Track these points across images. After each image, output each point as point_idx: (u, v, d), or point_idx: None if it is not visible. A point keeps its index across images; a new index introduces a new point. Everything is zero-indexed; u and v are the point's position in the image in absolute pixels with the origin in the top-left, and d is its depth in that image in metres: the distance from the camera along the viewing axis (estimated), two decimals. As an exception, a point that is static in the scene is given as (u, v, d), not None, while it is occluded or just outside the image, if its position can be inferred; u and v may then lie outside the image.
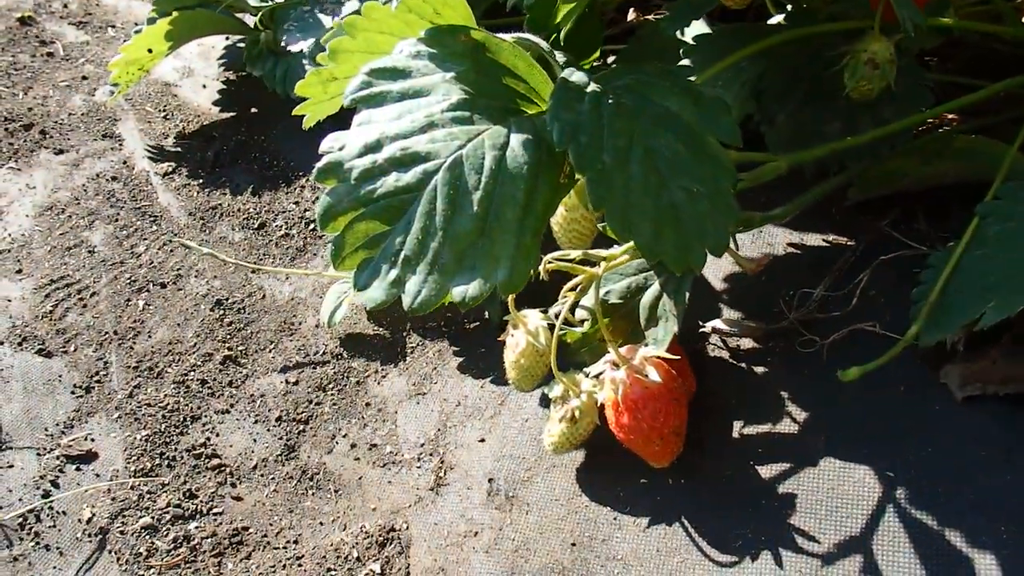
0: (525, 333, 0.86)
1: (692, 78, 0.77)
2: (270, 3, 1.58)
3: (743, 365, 0.90)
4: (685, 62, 0.99)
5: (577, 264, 0.81)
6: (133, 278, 1.26)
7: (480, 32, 0.75)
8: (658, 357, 0.80)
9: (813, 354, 0.88)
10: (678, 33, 1.12)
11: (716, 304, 0.96)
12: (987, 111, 1.09)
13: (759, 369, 0.89)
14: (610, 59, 1.49)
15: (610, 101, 0.71)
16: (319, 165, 0.68)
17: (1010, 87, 0.97)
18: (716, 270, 1.00)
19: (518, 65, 0.76)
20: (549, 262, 0.81)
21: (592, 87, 0.72)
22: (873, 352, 0.86)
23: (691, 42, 1.01)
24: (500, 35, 0.85)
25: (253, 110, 1.65)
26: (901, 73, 0.91)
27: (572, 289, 0.83)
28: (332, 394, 1.06)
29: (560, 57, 0.90)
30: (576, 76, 0.73)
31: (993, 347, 0.81)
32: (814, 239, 1.00)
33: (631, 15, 1.54)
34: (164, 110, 1.70)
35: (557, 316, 0.82)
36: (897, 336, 0.86)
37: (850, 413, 0.83)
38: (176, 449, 1.01)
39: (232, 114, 1.66)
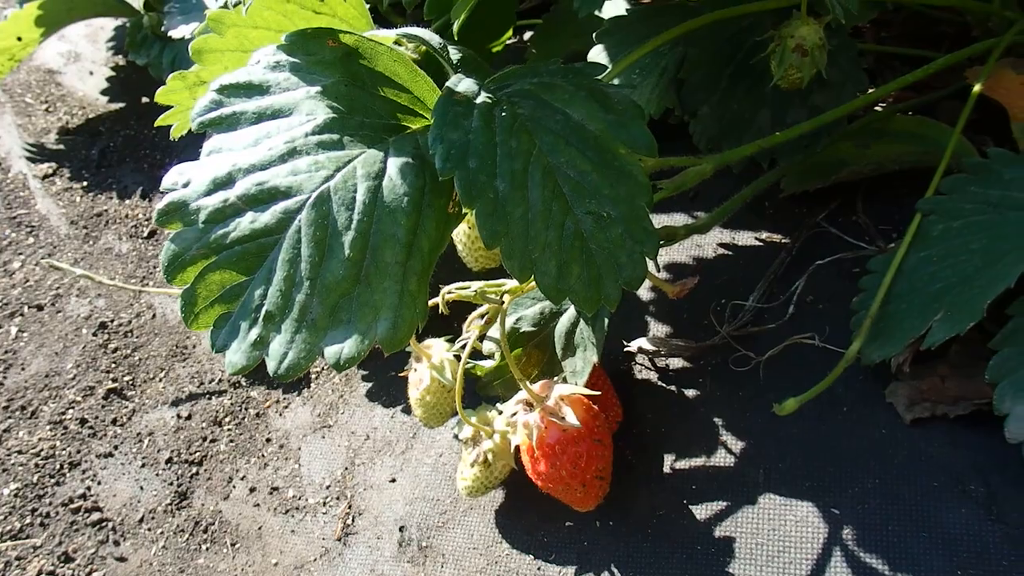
0: (429, 367, 0.76)
1: (600, 76, 0.68)
2: (155, -20, 1.44)
3: (673, 388, 0.81)
4: (596, 53, 0.89)
5: (481, 293, 0.71)
6: (5, 300, 1.14)
7: (352, 35, 0.64)
8: (577, 393, 0.71)
9: (749, 372, 0.80)
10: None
11: (642, 317, 0.87)
12: (928, 86, 1.01)
13: (691, 392, 0.81)
14: (527, 35, 1.39)
15: (504, 114, 0.61)
16: (159, 206, 0.57)
17: (950, 63, 0.89)
18: (642, 278, 0.91)
19: (399, 72, 0.65)
20: (449, 292, 0.72)
21: (483, 97, 0.62)
22: (813, 367, 0.79)
23: (608, 22, 0.91)
24: (381, 32, 0.75)
25: (144, 100, 1.52)
26: (834, 54, 0.82)
27: (480, 317, 0.74)
28: (229, 429, 0.95)
29: (455, 53, 0.79)
30: (464, 85, 0.62)
31: (941, 362, 0.73)
32: (746, 237, 0.92)
33: (548, -16, 1.42)
34: (46, 101, 1.55)
35: (464, 348, 0.73)
36: (838, 349, 0.79)
37: (789, 439, 0.75)
38: (51, 503, 0.90)
39: (121, 105, 1.52)
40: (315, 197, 0.57)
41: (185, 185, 0.58)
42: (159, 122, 0.84)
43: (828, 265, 0.85)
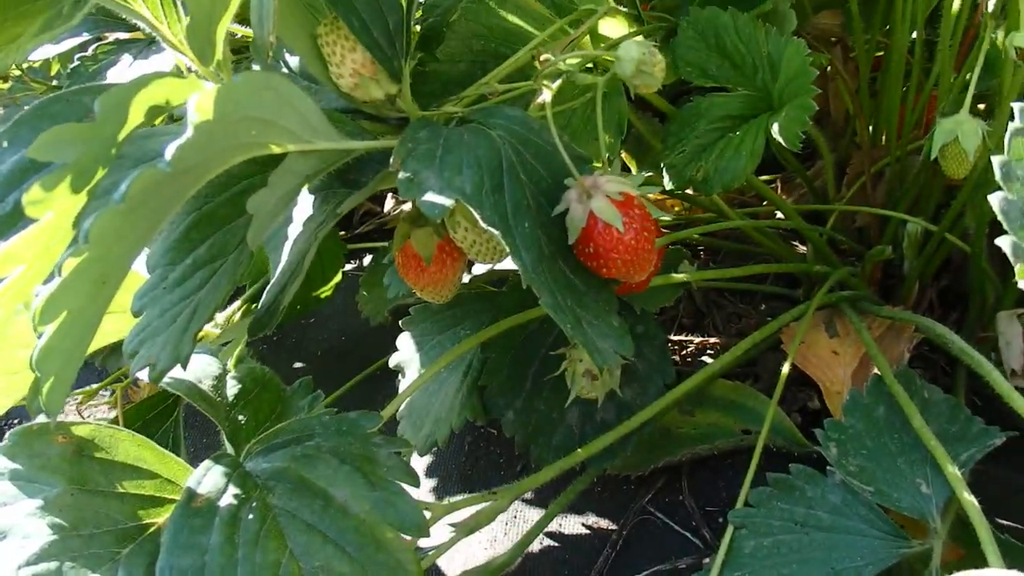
0: None
1: (374, 428, 0.63)
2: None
3: None
4: (403, 340, 0.85)
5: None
6: None
7: (87, 425, 0.59)
8: None
9: None
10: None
11: (462, 634, 0.82)
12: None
13: None
14: (366, 259, 1.36)
15: (252, 516, 0.55)
16: None
17: (764, 335, 0.88)
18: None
19: (144, 457, 0.60)
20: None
21: (230, 495, 0.56)
22: None
23: (413, 310, 0.88)
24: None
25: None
26: (640, 345, 0.81)
27: None
28: None
29: (234, 386, 0.74)
30: (209, 479, 0.57)
31: None
32: (573, 523, 0.87)
33: (389, 203, 1.41)
34: None
35: None
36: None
37: None
38: None
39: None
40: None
41: None
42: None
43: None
